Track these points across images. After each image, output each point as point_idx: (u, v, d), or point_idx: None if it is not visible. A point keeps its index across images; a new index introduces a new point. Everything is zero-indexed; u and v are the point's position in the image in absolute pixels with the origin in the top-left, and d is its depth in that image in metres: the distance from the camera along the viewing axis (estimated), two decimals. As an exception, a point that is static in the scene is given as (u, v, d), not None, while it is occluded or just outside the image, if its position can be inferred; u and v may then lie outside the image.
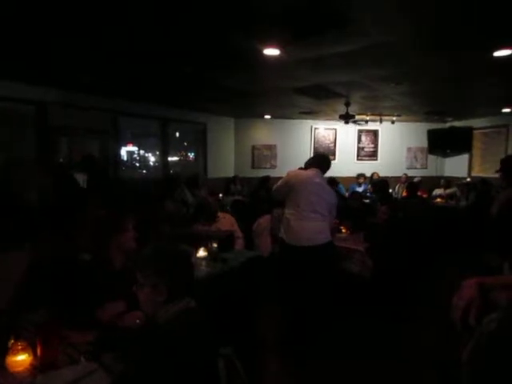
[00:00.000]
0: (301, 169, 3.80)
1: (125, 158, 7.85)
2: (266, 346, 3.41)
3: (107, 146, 6.83)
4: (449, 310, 1.67)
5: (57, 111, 5.83)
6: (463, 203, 7.25)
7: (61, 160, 6.42)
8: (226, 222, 4.35)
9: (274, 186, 3.65)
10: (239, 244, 4.28)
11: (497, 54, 3.80)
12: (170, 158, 8.40)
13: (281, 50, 3.68)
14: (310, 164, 3.63)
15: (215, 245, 3.42)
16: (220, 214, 4.38)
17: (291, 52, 3.74)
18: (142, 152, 8.36)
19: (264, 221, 4.83)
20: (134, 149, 8.17)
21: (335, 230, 4.17)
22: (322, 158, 3.75)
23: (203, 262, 3.39)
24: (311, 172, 3.51)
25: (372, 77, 4.79)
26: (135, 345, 1.59)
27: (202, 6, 2.72)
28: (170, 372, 1.37)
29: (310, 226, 3.37)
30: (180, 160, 8.88)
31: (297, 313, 3.40)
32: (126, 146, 7.79)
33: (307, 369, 3.01)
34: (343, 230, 4.41)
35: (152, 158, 8.49)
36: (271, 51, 3.70)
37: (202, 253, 3.48)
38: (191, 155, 9.04)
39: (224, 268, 3.30)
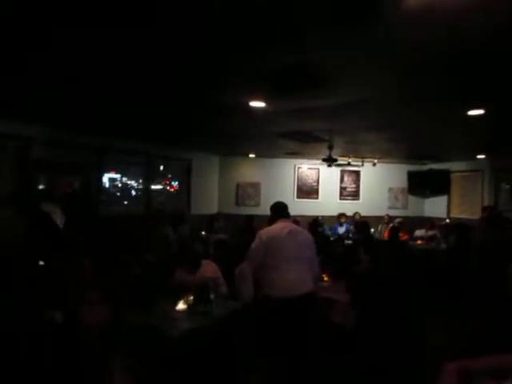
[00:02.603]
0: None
1: (107, 185, 7.70)
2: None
3: (90, 182, 6.75)
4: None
5: (39, 147, 5.77)
6: (443, 246, 7.36)
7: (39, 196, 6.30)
8: (210, 268, 4.26)
9: (249, 252, 3.52)
10: (222, 291, 4.20)
11: (471, 112, 4.01)
12: (153, 187, 8.30)
13: (266, 103, 3.79)
14: (273, 217, 3.63)
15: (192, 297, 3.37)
16: (203, 261, 4.30)
17: (275, 104, 3.86)
18: (124, 180, 8.12)
19: (246, 266, 4.76)
20: (117, 176, 7.96)
21: (318, 278, 4.16)
22: (280, 208, 3.70)
23: (183, 316, 3.31)
24: (280, 225, 3.49)
25: (353, 126, 4.95)
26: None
27: (192, 64, 2.81)
28: None
29: (295, 276, 3.31)
30: (164, 189, 8.76)
31: (282, 366, 3.31)
32: (108, 172, 7.65)
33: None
34: (325, 278, 4.39)
35: (135, 188, 8.29)
36: (257, 103, 3.81)
37: (181, 305, 3.40)
38: (175, 184, 8.94)
39: (204, 322, 3.23)
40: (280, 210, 3.65)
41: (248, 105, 3.85)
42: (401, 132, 5.48)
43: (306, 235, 3.62)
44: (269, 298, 3.32)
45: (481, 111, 3.92)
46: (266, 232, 3.50)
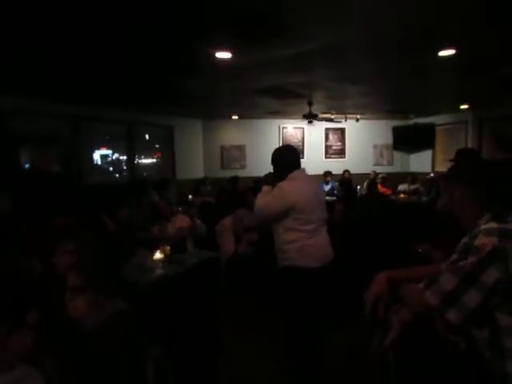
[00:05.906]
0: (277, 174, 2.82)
1: (99, 163, 7.76)
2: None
3: (69, 153, 6.74)
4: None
5: (15, 119, 5.73)
6: (425, 198, 7.50)
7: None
8: (183, 219, 4.59)
9: (264, 208, 2.70)
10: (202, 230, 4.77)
11: (441, 53, 3.97)
12: (142, 161, 8.36)
13: (232, 54, 3.75)
14: (289, 166, 2.76)
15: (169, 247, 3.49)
16: (178, 215, 4.58)
17: (242, 55, 3.82)
18: (116, 155, 8.17)
19: (227, 222, 4.89)
20: (108, 152, 8.01)
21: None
22: (293, 155, 2.87)
23: (159, 264, 3.45)
24: (304, 180, 2.77)
25: (326, 77, 4.91)
26: (68, 351, 1.62)
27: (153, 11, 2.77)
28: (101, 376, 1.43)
29: (325, 240, 2.81)
30: (153, 162, 8.80)
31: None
32: (99, 149, 7.70)
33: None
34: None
35: (124, 161, 8.32)
36: (223, 54, 3.77)
37: (158, 255, 3.53)
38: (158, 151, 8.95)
39: (179, 269, 3.37)
40: (294, 159, 2.83)
41: (215, 56, 3.81)
42: (374, 84, 5.45)
43: (318, 185, 3.03)
44: (297, 270, 2.66)
45: (452, 51, 3.86)
46: (289, 187, 2.65)
